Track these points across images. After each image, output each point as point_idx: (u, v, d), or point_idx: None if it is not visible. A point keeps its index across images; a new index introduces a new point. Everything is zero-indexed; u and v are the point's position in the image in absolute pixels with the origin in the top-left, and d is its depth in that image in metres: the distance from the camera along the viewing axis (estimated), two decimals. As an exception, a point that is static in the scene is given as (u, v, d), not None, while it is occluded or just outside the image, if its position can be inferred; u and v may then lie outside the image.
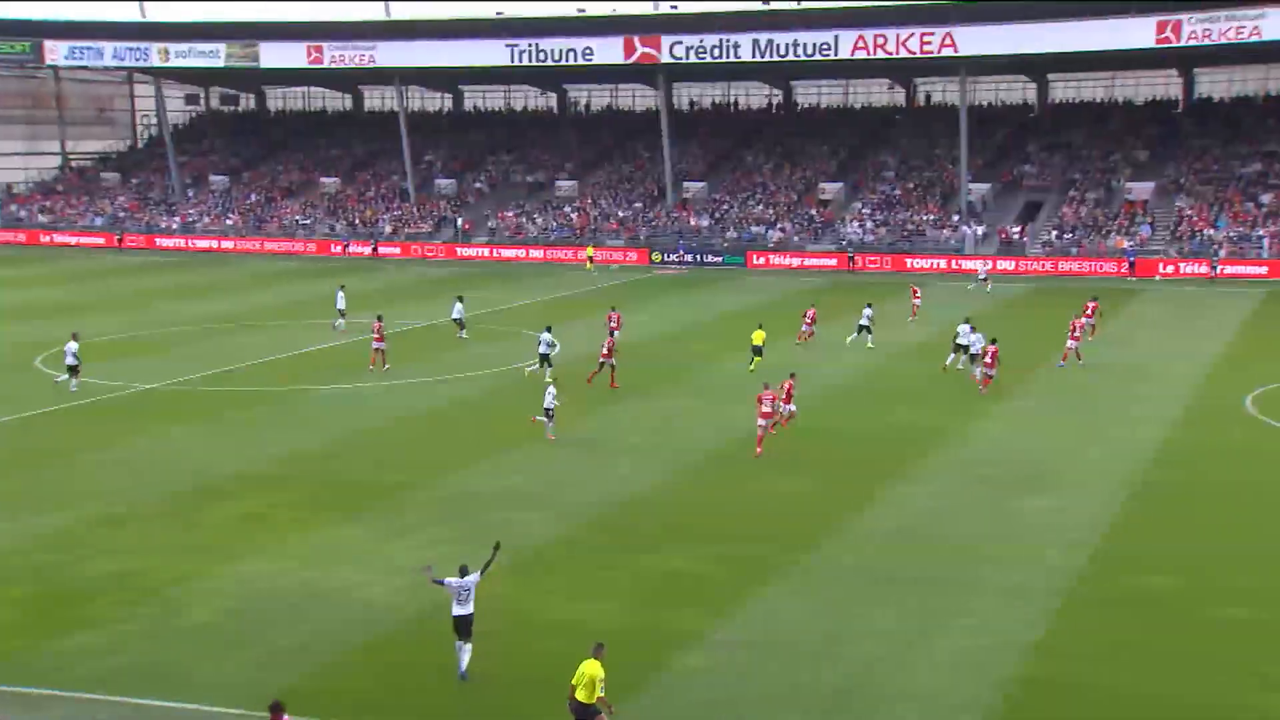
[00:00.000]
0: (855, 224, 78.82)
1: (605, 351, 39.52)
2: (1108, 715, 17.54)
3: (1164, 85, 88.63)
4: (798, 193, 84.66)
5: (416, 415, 36.52)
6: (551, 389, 33.11)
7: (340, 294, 52.54)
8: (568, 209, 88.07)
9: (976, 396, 37.69)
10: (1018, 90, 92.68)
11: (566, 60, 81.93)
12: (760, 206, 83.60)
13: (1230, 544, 24.28)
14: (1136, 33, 68.03)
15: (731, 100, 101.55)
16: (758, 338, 42.60)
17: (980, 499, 27.45)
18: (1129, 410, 35.75)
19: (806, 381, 40.33)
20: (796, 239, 79.25)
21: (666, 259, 79.34)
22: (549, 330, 41.50)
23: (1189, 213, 71.93)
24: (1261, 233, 68.26)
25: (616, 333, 44.70)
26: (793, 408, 32.73)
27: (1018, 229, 74.30)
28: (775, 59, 77.27)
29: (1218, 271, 65.51)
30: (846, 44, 74.49)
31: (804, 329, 47.36)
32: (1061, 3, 69.15)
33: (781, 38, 76.08)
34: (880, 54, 74.25)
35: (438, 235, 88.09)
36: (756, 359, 41.75)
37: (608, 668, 16.23)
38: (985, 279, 63.78)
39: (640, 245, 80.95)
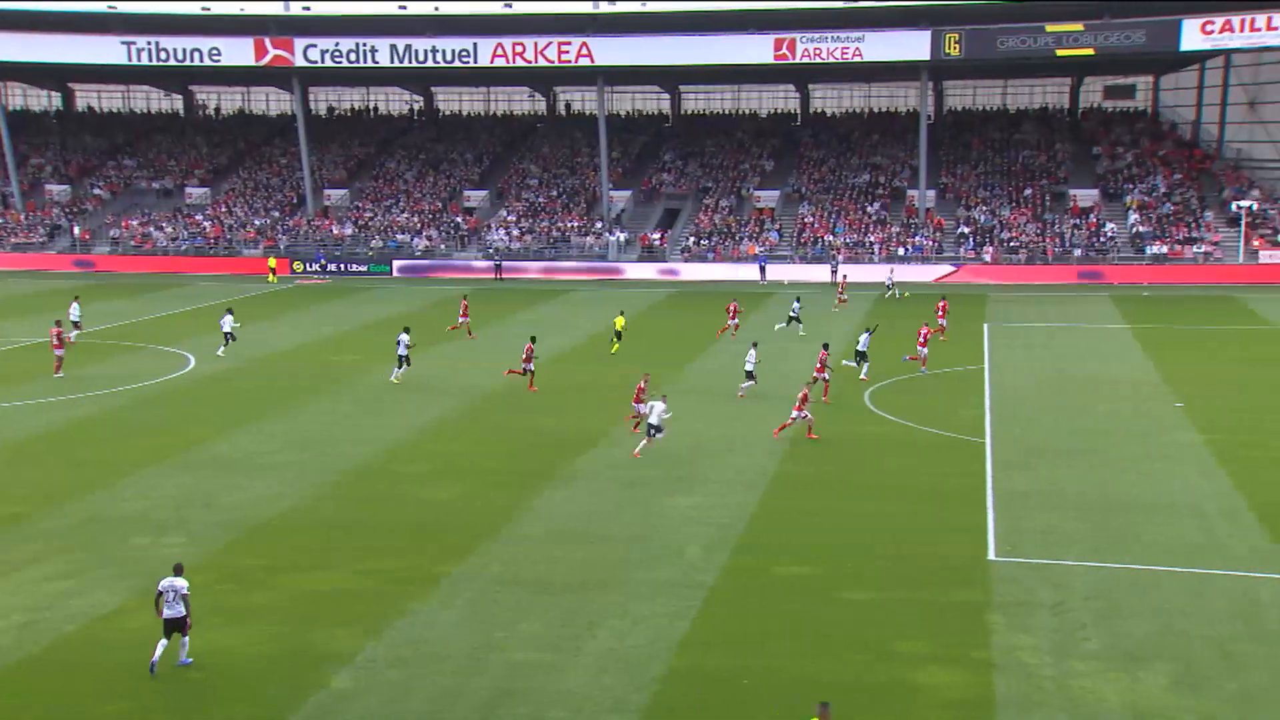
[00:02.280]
0: (501, 231, 79.32)
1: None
2: (754, 700, 18.35)
3: (784, 99, 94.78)
4: (442, 200, 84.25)
5: (31, 438, 33.47)
6: (660, 404, 31.81)
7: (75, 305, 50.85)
8: (200, 217, 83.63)
9: (622, 400, 38.68)
10: (653, 101, 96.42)
11: (192, 61, 77.76)
12: (405, 214, 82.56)
13: (854, 531, 26.06)
14: (756, 49, 72.47)
15: (372, 105, 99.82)
16: (618, 323, 47.25)
17: (628, 500, 28.13)
18: (760, 408, 37.68)
19: (462, 386, 40.22)
20: (443, 247, 78.83)
21: (308, 268, 76.92)
22: (406, 332, 41.88)
23: (810, 220, 77.14)
24: (873, 239, 74.18)
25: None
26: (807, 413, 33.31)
27: (658, 236, 77.17)
28: (414, 65, 76.59)
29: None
30: (486, 51, 74.90)
31: (730, 323, 50.47)
32: (691, 12, 72.44)
33: (420, 44, 75.51)
34: (519, 62, 75.14)
35: (51, 245, 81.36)
36: (617, 343, 46.42)
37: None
38: (892, 287, 63.55)
39: (280, 255, 77.97)
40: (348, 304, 63.29)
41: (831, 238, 74.68)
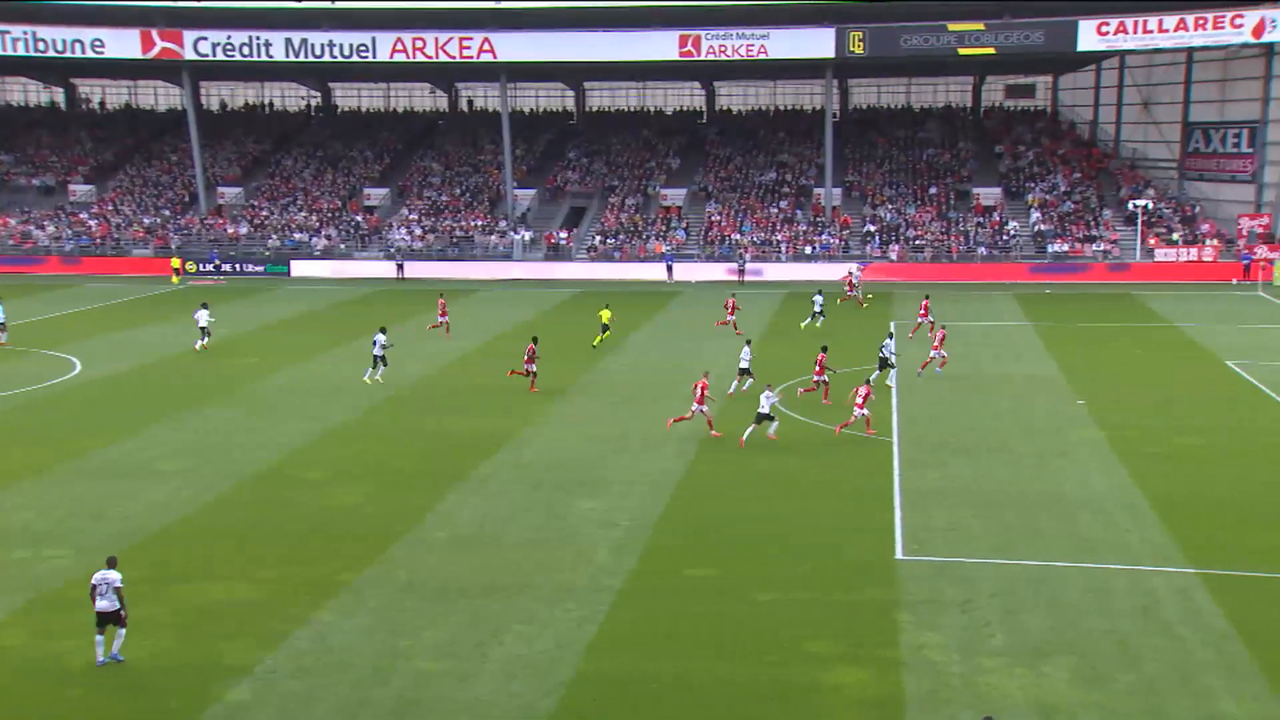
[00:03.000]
0: (403, 230, 78.61)
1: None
2: (663, 704, 18.46)
3: (690, 97, 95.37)
4: (341, 199, 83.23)
5: (-98, 452, 32.39)
6: (769, 393, 33.01)
7: None
8: (85, 215, 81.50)
9: (532, 400, 38.63)
10: (558, 97, 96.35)
11: (73, 52, 75.75)
12: (302, 213, 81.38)
13: (763, 531, 26.33)
14: (661, 45, 72.83)
15: (267, 101, 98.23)
16: (604, 316, 48.51)
17: (535, 503, 28.10)
18: (669, 409, 37.90)
19: (367, 387, 39.79)
20: (343, 246, 77.86)
21: (202, 269, 75.41)
22: (383, 332, 41.63)
23: (717, 218, 77.74)
24: (780, 237, 75.01)
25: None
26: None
27: (564, 235, 77.13)
28: (311, 59, 75.57)
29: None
30: (385, 46, 74.17)
31: (729, 318, 51.37)
32: (595, 8, 72.46)
33: (316, 37, 74.50)
34: (420, 57, 74.54)
35: (-75, 245, 78.70)
36: (604, 335, 47.91)
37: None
38: (856, 285, 60.79)
39: (170, 254, 76.32)
40: (247, 304, 62.19)
41: (739, 236, 75.34)
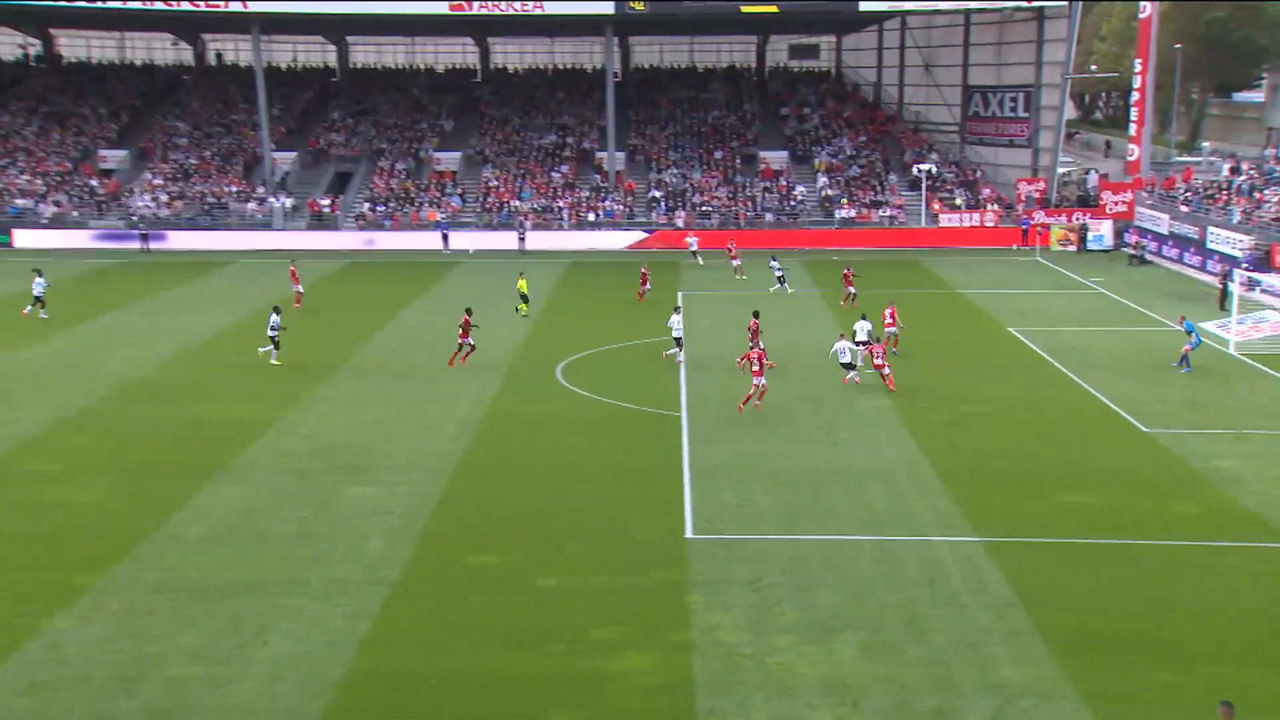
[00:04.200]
0: (146, 197, 75.23)
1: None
2: (443, 700, 18.36)
3: (463, 54, 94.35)
4: (72, 161, 79.01)
5: None
6: (843, 343, 37.00)
7: None
8: None
9: (291, 384, 37.67)
10: (318, 52, 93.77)
11: None
12: (25, 176, 76.88)
13: (547, 514, 26.42)
14: (431, -2, 71.70)
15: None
16: (522, 285, 49.35)
17: (301, 492, 27.50)
18: (446, 388, 37.63)
19: (108, 370, 37.99)
20: (76, 214, 73.97)
21: (-93, 240, 70.45)
22: (277, 312, 40.80)
23: (495, 183, 77.28)
24: (562, 204, 75.15)
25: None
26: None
27: (328, 201, 75.27)
28: (28, 3, 71.18)
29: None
30: (119, -10, 70.59)
31: (642, 287, 52.25)
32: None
33: (35, -23, 70.27)
34: (159, 5, 71.24)
35: None
36: (524, 305, 48.71)
37: None
38: (783, 278, 56.32)
39: None
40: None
41: (518, 203, 75.11)
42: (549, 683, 18.83)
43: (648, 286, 52.68)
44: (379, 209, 74.76)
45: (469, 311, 41.04)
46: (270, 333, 40.47)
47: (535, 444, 31.61)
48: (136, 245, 70.32)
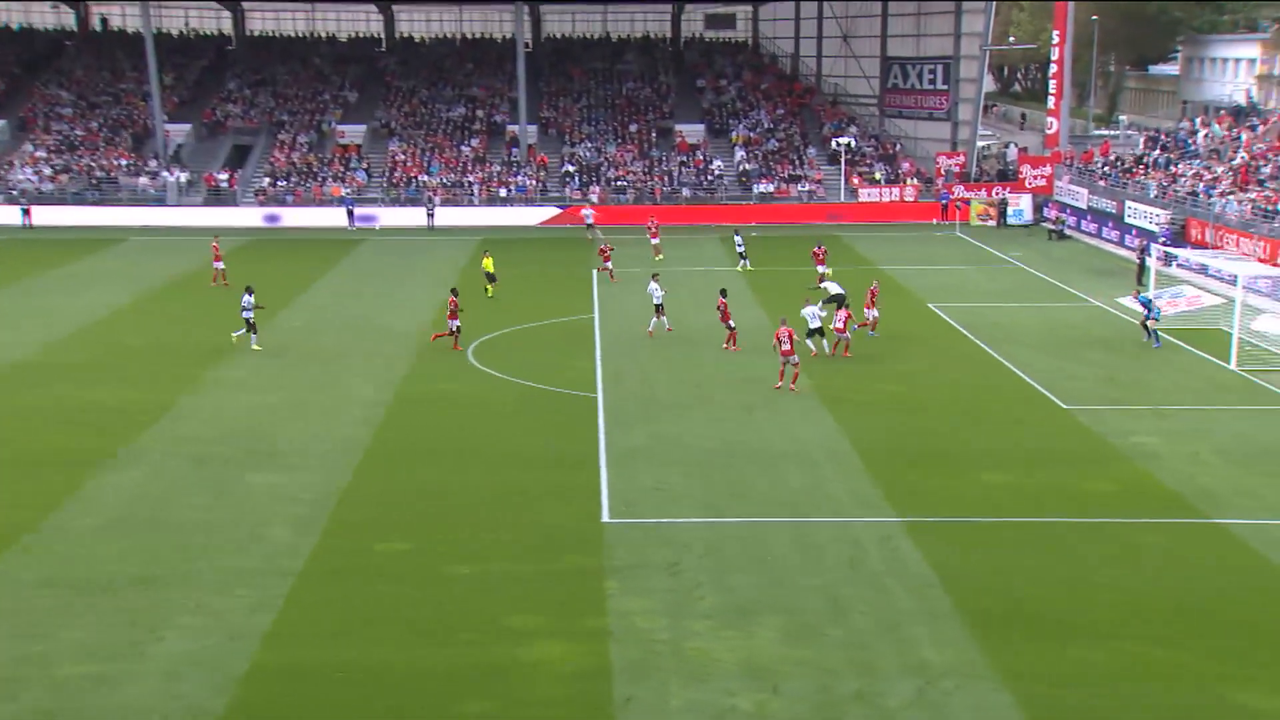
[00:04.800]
0: (28, 170, 73.36)
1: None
2: (348, 694, 18.19)
3: (366, 21, 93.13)
4: (-52, 132, 76.84)
5: None
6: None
7: None
8: None
9: (189, 366, 37.04)
10: (212, 18, 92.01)
11: None
12: (-102, 149, 74.67)
13: (460, 500, 26.29)
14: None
15: None
16: (487, 264, 48.08)
17: (200, 480, 27.08)
18: (352, 370, 37.24)
19: (-22, 362, 37.14)
20: (-47, 189, 71.95)
21: None
22: (250, 292, 39.12)
23: (402, 158, 76.49)
24: (472, 179, 74.61)
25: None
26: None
27: (226, 176, 73.98)
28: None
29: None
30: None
31: (604, 265, 52.20)
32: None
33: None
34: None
35: None
36: (491, 286, 47.46)
37: None
38: (743, 254, 55.78)
39: None
40: None
41: (426, 178, 74.44)
42: (461, 673, 18.76)
43: (608, 265, 52.45)
44: (280, 184, 73.67)
45: (455, 292, 40.35)
46: (245, 314, 38.97)
47: (447, 427, 31.42)
48: (19, 222, 68.54)
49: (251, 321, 39.18)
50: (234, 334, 39.68)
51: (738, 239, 56.30)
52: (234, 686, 18.27)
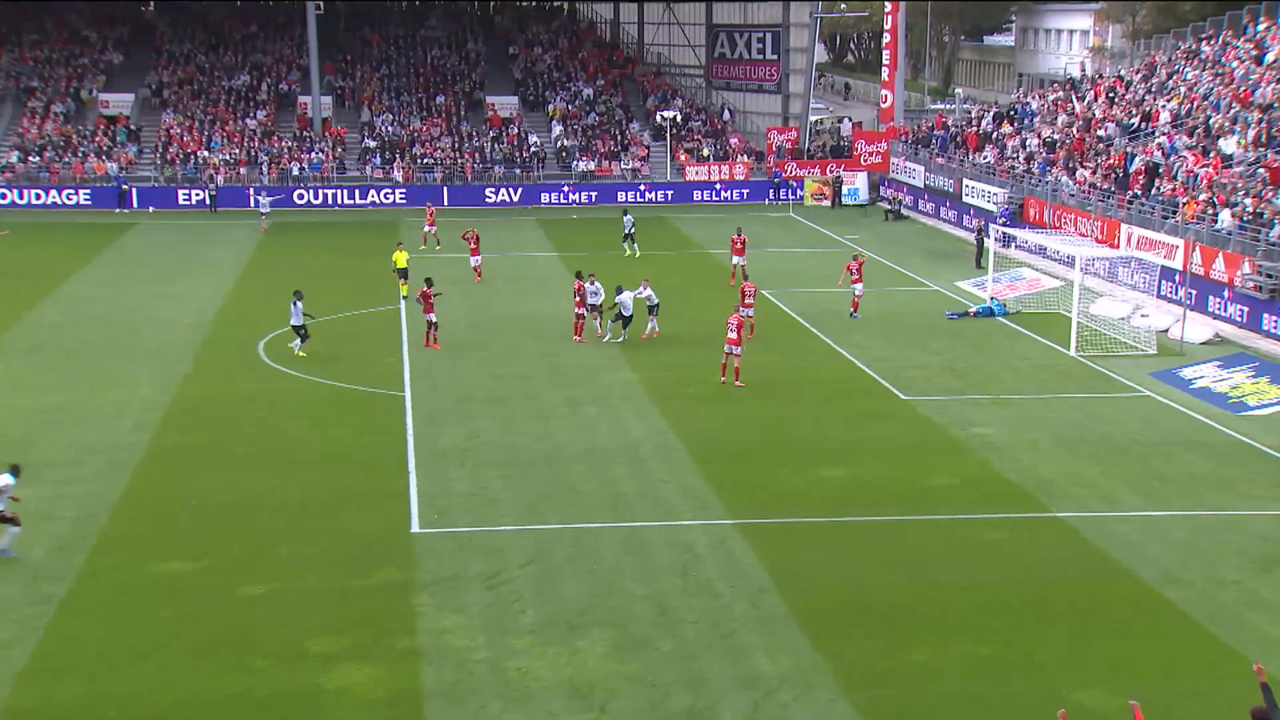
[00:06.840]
0: None
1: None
2: (125, 734, 17.73)
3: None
4: None
5: None
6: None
7: None
8: None
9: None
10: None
11: None
12: None
13: (253, 511, 25.78)
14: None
15: None
16: (399, 259, 45.72)
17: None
18: (124, 370, 36.17)
19: None
20: None
21: None
22: (299, 297, 37.73)
23: (178, 131, 74.42)
24: (260, 155, 73.00)
25: None
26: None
27: (-29, 150, 71.02)
28: None
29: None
30: None
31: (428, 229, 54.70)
32: None
33: None
34: None
35: None
36: (405, 284, 44.62)
37: None
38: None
39: None
40: None
41: (207, 154, 72.61)
42: (254, 704, 18.40)
43: (434, 228, 54.72)
44: (33, 159, 70.94)
45: (429, 282, 39.06)
46: (294, 322, 37.31)
47: (236, 431, 30.77)
48: None
49: (302, 328, 37.41)
50: (295, 349, 37.61)
51: (627, 219, 55.73)
52: (-9, 730, 17.62)
